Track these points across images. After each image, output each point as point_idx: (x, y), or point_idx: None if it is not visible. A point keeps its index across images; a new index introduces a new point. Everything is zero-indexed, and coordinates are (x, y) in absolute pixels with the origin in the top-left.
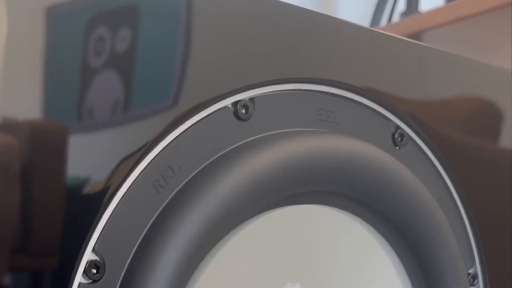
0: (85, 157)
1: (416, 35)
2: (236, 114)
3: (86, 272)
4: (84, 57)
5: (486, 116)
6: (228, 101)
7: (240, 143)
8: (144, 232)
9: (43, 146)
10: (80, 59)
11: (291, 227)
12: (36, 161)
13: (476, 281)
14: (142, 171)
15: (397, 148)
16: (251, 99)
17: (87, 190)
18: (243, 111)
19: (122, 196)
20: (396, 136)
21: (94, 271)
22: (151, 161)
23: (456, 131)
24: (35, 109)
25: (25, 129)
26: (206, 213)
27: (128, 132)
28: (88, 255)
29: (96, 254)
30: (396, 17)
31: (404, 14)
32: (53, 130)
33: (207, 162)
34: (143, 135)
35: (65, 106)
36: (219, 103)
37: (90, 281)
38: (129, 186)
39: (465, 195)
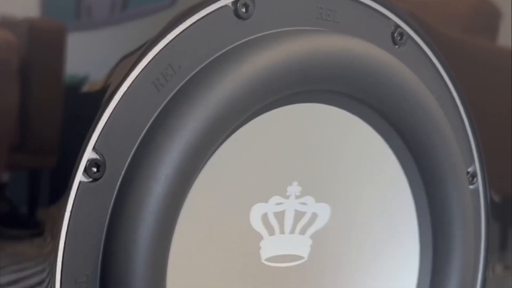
0: (84, 56)
1: None
2: (236, 12)
3: (86, 171)
4: None
5: (485, 15)
6: (228, 0)
7: (240, 42)
8: (144, 131)
9: (41, 44)
10: None
11: (291, 126)
12: (35, 59)
13: (475, 179)
14: (142, 70)
15: (397, 47)
16: None
17: (86, 88)
18: (243, 9)
19: (123, 95)
20: (395, 35)
21: (95, 169)
22: (151, 59)
23: (456, 30)
24: (33, 7)
25: (24, 27)
26: (207, 111)
27: (128, 31)
28: (89, 153)
29: (97, 153)
30: None
31: None
32: (52, 28)
33: (207, 61)
34: (143, 34)
35: (64, 4)
36: (219, 2)
37: (91, 179)
38: (130, 85)
39: (464, 94)
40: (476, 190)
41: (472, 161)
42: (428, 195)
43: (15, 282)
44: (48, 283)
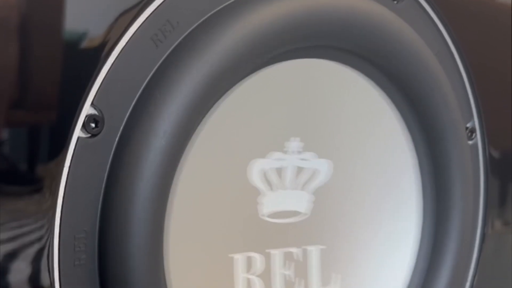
0: (82, 12)
1: None
2: None
3: (85, 127)
4: None
5: None
6: None
7: None
8: (143, 87)
9: (40, 1)
10: None
11: (292, 82)
12: (34, 15)
13: (474, 135)
14: (140, 26)
15: (396, 2)
16: None
17: (85, 44)
18: None
19: (121, 51)
20: None
21: (93, 125)
22: (149, 15)
23: None
24: None
25: None
26: (206, 67)
27: None
28: (87, 109)
29: (95, 108)
30: None
31: None
32: None
33: (205, 17)
34: None
35: None
36: None
37: (89, 135)
38: (128, 40)
39: (463, 49)
40: (475, 145)
41: (471, 117)
42: (427, 151)
43: (14, 238)
44: (47, 239)
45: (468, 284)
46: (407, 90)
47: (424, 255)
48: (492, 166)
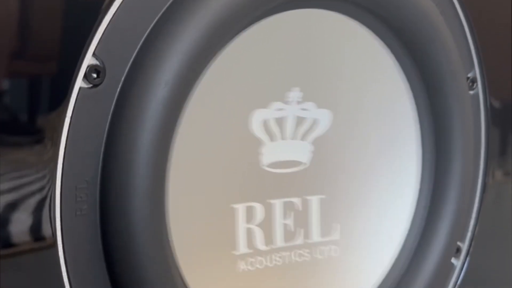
0: None
1: None
2: None
3: (86, 77)
4: None
5: None
6: None
7: None
8: (144, 37)
9: None
10: None
11: (292, 32)
12: None
13: (475, 85)
14: None
15: None
16: None
17: None
18: None
19: (123, 0)
20: None
21: (95, 75)
22: None
23: None
24: None
25: None
26: (207, 17)
27: None
28: (89, 59)
29: (97, 59)
30: None
31: None
32: None
33: None
34: None
35: None
36: None
37: (91, 85)
38: None
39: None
40: (476, 95)
41: (472, 67)
42: (428, 101)
43: (15, 188)
44: (49, 190)
45: (469, 234)
46: (407, 40)
47: (424, 205)
48: (493, 116)
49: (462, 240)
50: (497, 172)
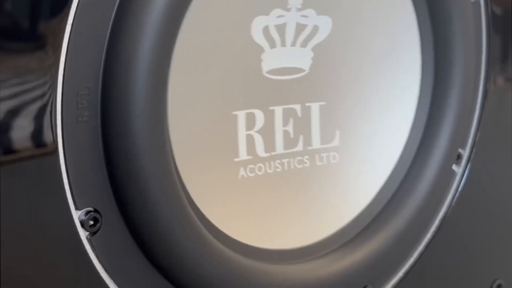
0: None
1: None
2: None
3: None
4: None
5: None
6: None
7: None
8: None
9: None
10: None
11: None
12: None
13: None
14: None
15: None
16: None
17: None
18: None
19: None
20: None
21: None
22: None
23: None
24: None
25: None
26: None
27: None
28: None
29: None
30: None
31: None
32: None
33: None
34: None
35: None
36: None
37: None
38: None
39: None
40: (477, 2)
41: None
42: (429, 7)
43: (16, 95)
44: (50, 96)
45: (470, 140)
46: None
47: (425, 111)
48: (494, 22)
49: (463, 146)
50: (499, 78)
